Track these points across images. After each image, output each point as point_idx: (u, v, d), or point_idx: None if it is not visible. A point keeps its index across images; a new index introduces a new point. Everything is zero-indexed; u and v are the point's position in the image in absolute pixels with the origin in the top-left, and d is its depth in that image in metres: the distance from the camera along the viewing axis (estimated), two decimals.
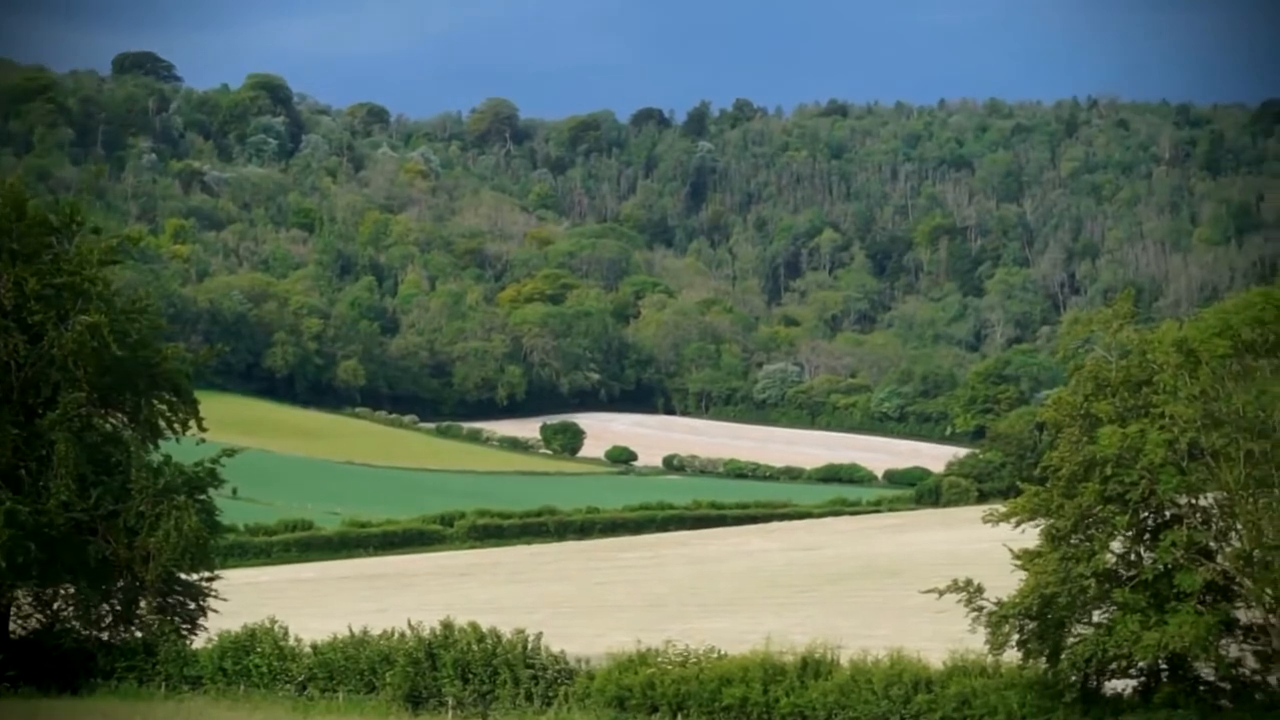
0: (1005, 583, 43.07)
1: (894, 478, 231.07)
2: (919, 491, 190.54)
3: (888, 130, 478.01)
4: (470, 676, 48.89)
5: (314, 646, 52.07)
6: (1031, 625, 42.12)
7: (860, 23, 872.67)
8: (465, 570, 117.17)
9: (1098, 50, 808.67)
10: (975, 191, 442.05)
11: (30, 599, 55.47)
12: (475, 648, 49.15)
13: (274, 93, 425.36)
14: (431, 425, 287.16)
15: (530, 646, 48.79)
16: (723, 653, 47.99)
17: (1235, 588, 40.45)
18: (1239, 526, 40.32)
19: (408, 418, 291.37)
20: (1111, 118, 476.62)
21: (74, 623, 55.26)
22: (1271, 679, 41.08)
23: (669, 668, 47.43)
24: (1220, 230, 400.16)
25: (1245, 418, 39.95)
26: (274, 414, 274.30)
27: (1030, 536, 42.88)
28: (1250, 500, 39.98)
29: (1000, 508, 43.83)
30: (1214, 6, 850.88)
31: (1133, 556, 41.77)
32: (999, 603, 42.28)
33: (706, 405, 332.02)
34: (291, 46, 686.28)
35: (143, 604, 54.94)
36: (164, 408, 56.28)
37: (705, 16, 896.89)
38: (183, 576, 54.57)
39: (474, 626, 49.76)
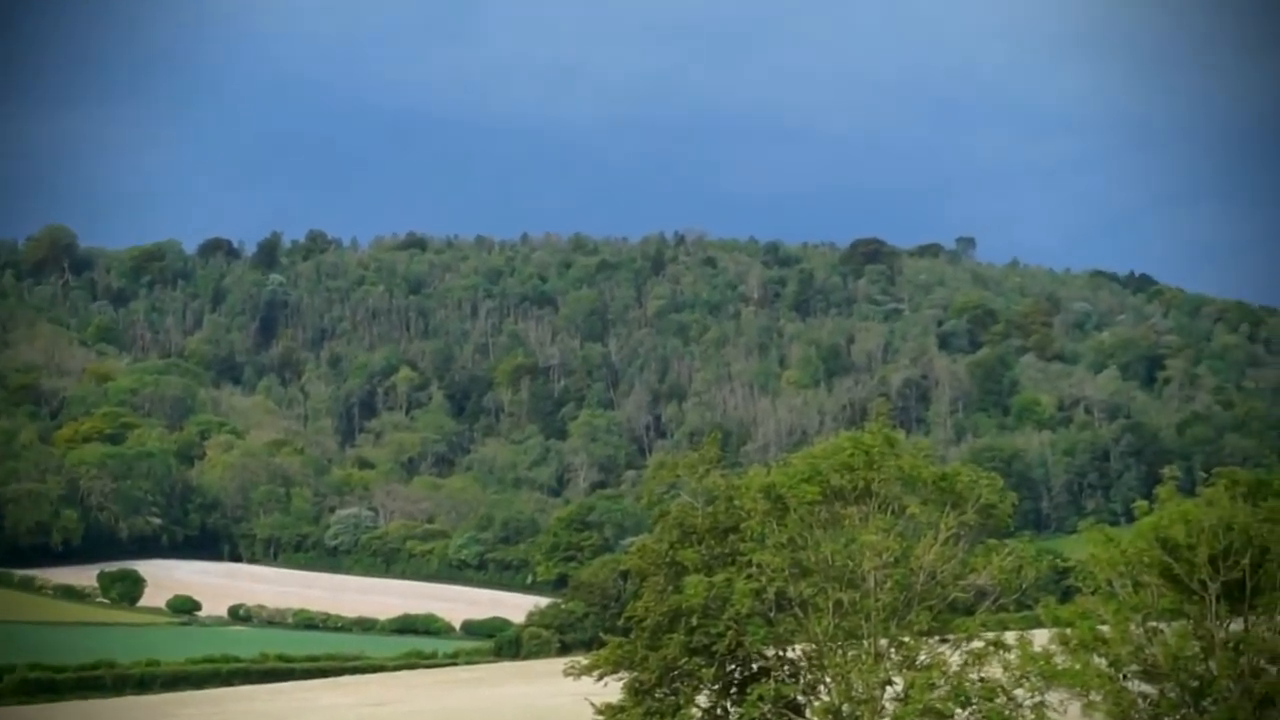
0: None
1: (472, 629, 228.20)
2: (498, 643, 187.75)
3: (468, 265, 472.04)
4: None
5: None
6: None
7: (439, 152, 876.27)
8: None
9: (685, 184, 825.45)
10: (558, 330, 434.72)
11: None
12: None
13: None
14: None
15: None
16: None
17: None
18: (828, 679, 39.70)
19: None
20: (699, 255, 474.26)
21: None
22: None
23: None
24: (810, 372, 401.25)
25: (834, 566, 39.57)
26: None
27: (614, 690, 41.65)
28: (839, 652, 39.48)
29: (582, 660, 42.64)
30: (800, 143, 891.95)
31: (719, 711, 41.01)
32: None
33: (275, 552, 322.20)
34: None
35: None
36: None
37: (273, 142, 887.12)
38: None
39: None
